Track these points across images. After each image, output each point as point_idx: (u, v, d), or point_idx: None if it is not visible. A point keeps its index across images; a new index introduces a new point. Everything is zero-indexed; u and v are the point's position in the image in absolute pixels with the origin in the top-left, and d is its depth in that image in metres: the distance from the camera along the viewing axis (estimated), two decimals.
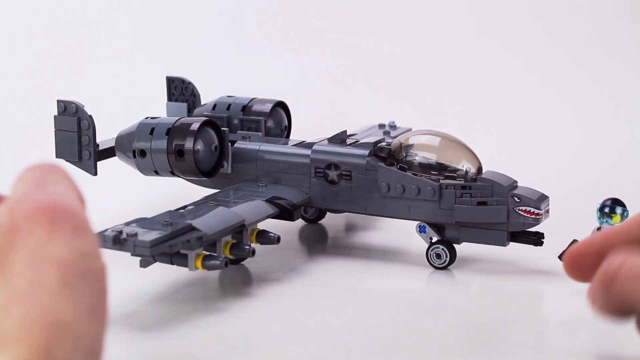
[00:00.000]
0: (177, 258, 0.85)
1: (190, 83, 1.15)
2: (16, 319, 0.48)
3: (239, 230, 0.90)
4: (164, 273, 0.91)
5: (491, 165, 0.96)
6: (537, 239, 0.94)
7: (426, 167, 0.95)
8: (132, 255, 0.82)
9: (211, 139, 1.00)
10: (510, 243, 0.95)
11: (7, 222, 0.52)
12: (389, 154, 0.98)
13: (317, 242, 1.08)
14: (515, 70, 1.58)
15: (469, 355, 0.77)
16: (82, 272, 0.51)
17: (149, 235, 0.81)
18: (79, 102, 1.00)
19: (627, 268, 0.65)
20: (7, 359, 0.47)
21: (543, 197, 0.94)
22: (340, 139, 1.01)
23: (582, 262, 0.70)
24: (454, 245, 0.96)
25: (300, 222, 1.11)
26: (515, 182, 0.95)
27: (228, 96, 1.13)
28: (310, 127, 1.20)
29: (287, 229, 1.06)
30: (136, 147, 0.99)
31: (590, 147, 1.42)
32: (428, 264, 0.96)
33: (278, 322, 0.84)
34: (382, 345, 0.78)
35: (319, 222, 1.13)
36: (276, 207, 0.96)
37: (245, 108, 1.10)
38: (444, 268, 0.96)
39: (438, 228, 0.96)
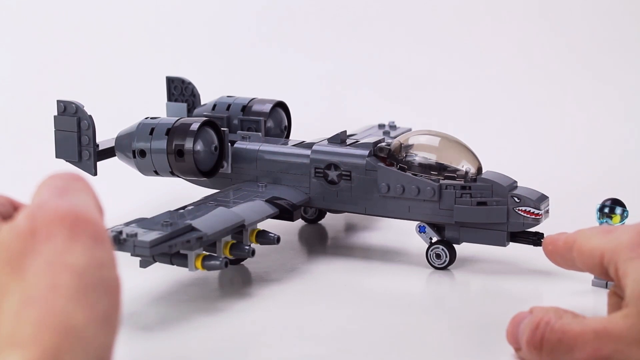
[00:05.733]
0: (177, 258, 0.85)
1: (190, 83, 1.15)
2: (30, 321, 0.49)
3: (238, 231, 0.90)
4: (164, 273, 0.91)
5: (491, 165, 0.96)
6: (537, 239, 0.94)
7: (426, 167, 0.95)
8: (132, 255, 0.82)
9: (211, 139, 1.00)
10: (510, 243, 0.95)
11: (27, 226, 0.53)
12: (389, 154, 0.98)
13: (317, 242, 1.08)
14: (516, 70, 1.58)
15: (468, 355, 0.77)
16: (97, 280, 0.52)
17: (148, 236, 0.81)
18: (79, 102, 1.00)
19: (549, 332, 0.69)
20: (18, 359, 0.48)
21: (543, 197, 0.94)
22: (340, 139, 1.01)
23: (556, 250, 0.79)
24: (454, 245, 0.96)
25: (300, 222, 1.11)
26: (515, 182, 0.95)
27: (228, 96, 1.13)
28: (310, 127, 1.20)
29: (287, 229, 1.06)
30: (136, 147, 1.00)
31: (590, 147, 1.42)
32: (428, 264, 0.96)
33: (278, 322, 0.84)
34: (381, 345, 0.78)
35: (319, 222, 1.13)
36: (276, 207, 0.96)
37: (245, 108, 1.10)
38: (444, 268, 0.96)
39: (438, 228, 0.96)
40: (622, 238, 0.70)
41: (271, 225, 0.97)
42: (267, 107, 1.10)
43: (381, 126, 1.20)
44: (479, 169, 0.95)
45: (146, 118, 1.01)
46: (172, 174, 1.00)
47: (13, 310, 0.50)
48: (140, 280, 0.89)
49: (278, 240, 0.92)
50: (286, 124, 1.13)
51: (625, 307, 0.67)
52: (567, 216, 1.00)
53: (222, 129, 1.01)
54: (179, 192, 1.13)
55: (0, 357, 0.48)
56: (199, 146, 0.98)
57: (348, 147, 1.00)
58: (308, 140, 1.03)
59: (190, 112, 1.15)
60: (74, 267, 0.51)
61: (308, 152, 1.00)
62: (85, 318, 0.50)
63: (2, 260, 0.52)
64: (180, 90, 1.16)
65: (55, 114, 1.01)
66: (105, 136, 1.06)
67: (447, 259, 0.96)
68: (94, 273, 0.52)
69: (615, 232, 0.72)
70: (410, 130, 1.17)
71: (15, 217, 0.55)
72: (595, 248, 0.72)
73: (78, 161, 1.02)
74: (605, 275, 0.72)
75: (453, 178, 0.94)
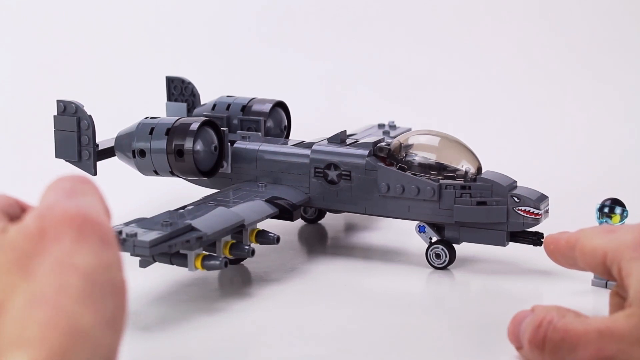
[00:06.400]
0: (176, 258, 0.85)
1: (189, 83, 1.15)
2: (37, 322, 0.49)
3: (238, 230, 0.90)
4: (163, 273, 0.91)
5: (491, 165, 0.96)
6: (536, 239, 0.94)
7: (426, 167, 0.95)
8: (131, 255, 0.82)
9: (211, 139, 1.00)
10: (510, 243, 0.95)
11: (35, 227, 0.53)
12: (389, 154, 0.98)
13: (316, 242, 1.08)
14: (516, 70, 1.58)
15: (469, 355, 0.77)
16: (104, 282, 0.52)
17: (148, 236, 0.81)
18: (78, 102, 1.00)
19: (552, 331, 0.68)
20: (25, 359, 0.48)
21: (543, 197, 0.94)
22: (339, 139, 1.01)
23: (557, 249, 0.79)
24: (454, 245, 0.96)
25: (300, 222, 1.11)
26: (515, 182, 0.95)
27: (228, 96, 1.13)
28: (310, 127, 1.20)
29: (287, 229, 1.06)
30: (136, 147, 1.00)
31: (590, 147, 1.42)
32: (428, 264, 0.96)
33: (278, 322, 0.84)
34: (381, 345, 0.78)
35: (319, 222, 1.13)
36: (276, 207, 0.96)
37: (245, 108, 1.10)
38: (444, 268, 0.96)
39: (438, 228, 0.96)
40: (625, 238, 0.70)
41: (271, 225, 0.97)
42: (267, 107, 1.10)
43: (381, 126, 1.20)
44: (479, 169, 0.95)
45: (146, 118, 1.01)
46: (172, 173, 1.00)
47: (20, 310, 0.50)
48: (140, 280, 0.89)
49: (278, 240, 0.92)
50: (286, 123, 1.13)
51: (629, 307, 0.67)
52: (567, 216, 1.00)
53: (222, 128, 1.01)
54: (179, 192, 1.13)
55: (7, 357, 0.48)
56: (199, 146, 0.98)
57: (348, 147, 1.00)
58: (308, 140, 1.03)
59: (190, 112, 1.15)
60: (82, 268, 0.51)
61: (308, 152, 1.00)
62: (92, 319, 0.50)
63: (10, 260, 0.52)
64: (180, 90, 1.16)
65: (55, 114, 1.01)
66: (105, 136, 1.06)
67: (447, 259, 0.96)
68: (101, 275, 0.52)
69: (618, 231, 0.72)
70: (410, 130, 1.17)
71: (23, 219, 0.55)
72: (598, 247, 0.72)
73: (78, 161, 1.02)
74: (608, 274, 0.72)
75: (453, 178, 0.94)
